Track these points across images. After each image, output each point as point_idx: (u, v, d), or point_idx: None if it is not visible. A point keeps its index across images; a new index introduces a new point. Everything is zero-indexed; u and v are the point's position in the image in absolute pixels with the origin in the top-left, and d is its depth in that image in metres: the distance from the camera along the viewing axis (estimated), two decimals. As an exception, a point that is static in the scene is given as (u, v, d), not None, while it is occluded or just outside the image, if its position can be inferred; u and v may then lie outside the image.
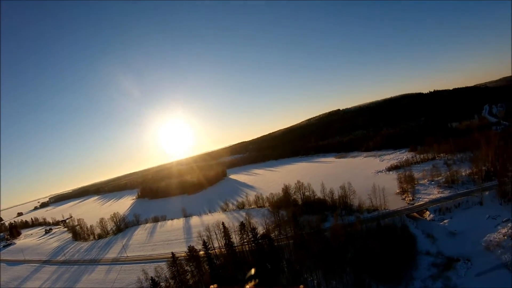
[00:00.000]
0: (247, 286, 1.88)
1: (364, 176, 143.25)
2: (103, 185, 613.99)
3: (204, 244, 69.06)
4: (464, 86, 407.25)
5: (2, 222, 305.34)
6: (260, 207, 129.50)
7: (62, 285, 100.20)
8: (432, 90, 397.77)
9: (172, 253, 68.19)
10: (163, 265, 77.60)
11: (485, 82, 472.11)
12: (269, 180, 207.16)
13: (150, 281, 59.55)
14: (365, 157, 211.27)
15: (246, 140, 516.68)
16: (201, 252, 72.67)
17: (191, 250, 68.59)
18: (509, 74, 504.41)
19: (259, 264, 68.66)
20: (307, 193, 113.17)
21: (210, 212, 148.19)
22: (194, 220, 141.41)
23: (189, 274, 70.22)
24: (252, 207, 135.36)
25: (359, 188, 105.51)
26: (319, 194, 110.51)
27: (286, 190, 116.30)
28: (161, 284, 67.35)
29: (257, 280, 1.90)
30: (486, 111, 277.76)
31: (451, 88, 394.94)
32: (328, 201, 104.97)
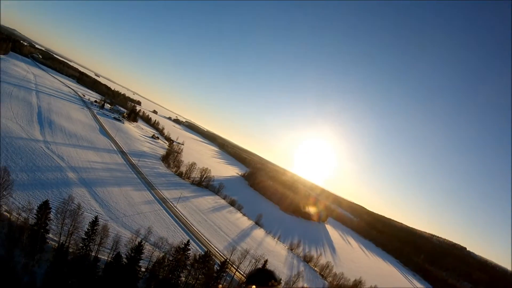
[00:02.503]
0: None
1: None
2: (230, 145, 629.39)
3: (223, 263, 46.08)
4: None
5: (135, 106, 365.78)
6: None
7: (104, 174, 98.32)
8: None
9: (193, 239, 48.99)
10: (180, 242, 61.21)
11: None
12: (356, 262, 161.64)
13: (137, 243, 42.15)
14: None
15: (366, 207, 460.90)
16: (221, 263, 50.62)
17: (206, 255, 47.15)
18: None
19: None
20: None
21: (278, 239, 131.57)
22: (258, 233, 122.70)
23: (186, 273, 49.22)
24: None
25: None
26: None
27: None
28: (151, 258, 50.08)
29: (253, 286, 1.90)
30: None
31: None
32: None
